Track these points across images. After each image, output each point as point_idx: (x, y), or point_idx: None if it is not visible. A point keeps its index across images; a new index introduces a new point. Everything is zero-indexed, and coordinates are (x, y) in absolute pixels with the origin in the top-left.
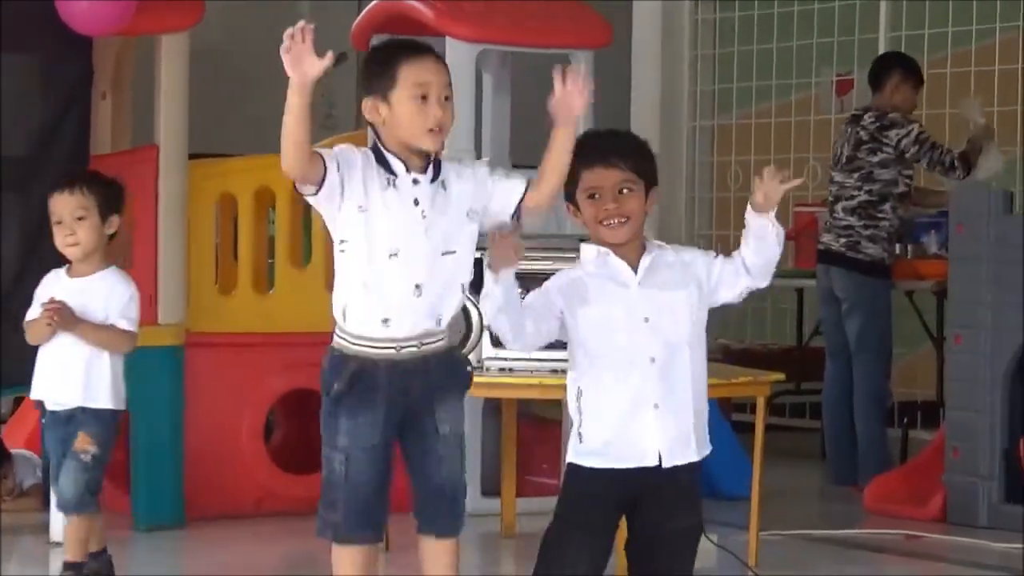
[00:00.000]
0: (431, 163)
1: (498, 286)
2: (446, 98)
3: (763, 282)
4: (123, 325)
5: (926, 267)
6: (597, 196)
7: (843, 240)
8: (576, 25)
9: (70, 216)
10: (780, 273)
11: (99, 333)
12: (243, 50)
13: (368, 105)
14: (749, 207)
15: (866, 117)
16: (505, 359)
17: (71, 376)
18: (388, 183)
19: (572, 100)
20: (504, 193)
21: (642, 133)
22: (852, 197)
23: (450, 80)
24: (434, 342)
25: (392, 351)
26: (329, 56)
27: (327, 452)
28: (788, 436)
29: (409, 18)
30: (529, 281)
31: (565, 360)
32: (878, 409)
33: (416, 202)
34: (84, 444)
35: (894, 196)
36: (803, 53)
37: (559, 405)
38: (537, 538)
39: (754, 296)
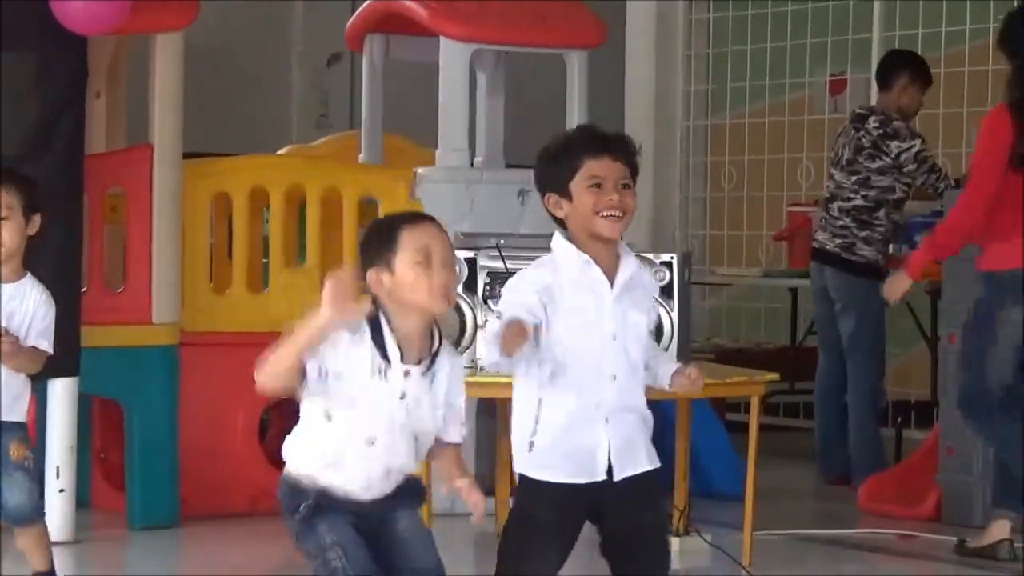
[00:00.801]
0: (430, 354)
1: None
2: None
3: None
4: (43, 346)
5: None
6: (601, 186)
7: (838, 241)
8: (570, 24)
9: None
10: (774, 273)
11: (21, 357)
12: (238, 49)
13: (372, 276)
14: (671, 377)
15: (871, 120)
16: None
17: None
18: (378, 371)
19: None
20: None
21: (636, 132)
22: (848, 199)
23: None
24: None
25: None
26: (367, 304)
27: (318, 557)
28: (782, 436)
29: (403, 18)
30: (497, 278)
31: None
32: (871, 409)
33: (403, 396)
34: (22, 452)
35: (889, 202)
36: (797, 53)
37: None
38: None
39: (748, 296)
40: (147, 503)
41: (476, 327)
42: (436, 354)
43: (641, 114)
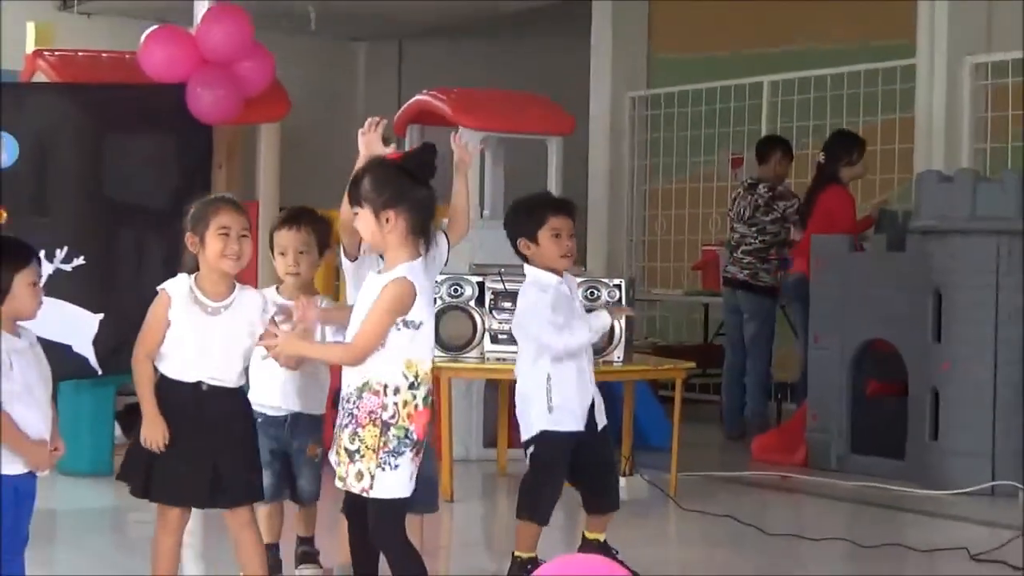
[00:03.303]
0: None
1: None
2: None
3: None
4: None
5: None
6: (559, 235)
7: (746, 272)
8: (551, 118)
9: (294, 250)
10: (692, 292)
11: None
12: (316, 132)
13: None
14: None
15: (760, 187)
16: (500, 352)
17: (288, 387)
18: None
19: (463, 157)
20: (442, 251)
21: (597, 195)
22: (751, 244)
23: None
24: None
25: None
26: (391, 147)
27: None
28: (697, 406)
29: (434, 113)
30: (499, 295)
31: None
32: (763, 387)
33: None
34: (314, 451)
35: (778, 243)
36: (708, 138)
37: None
38: (520, 476)
39: (674, 308)
40: None
41: (484, 331)
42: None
43: (600, 181)
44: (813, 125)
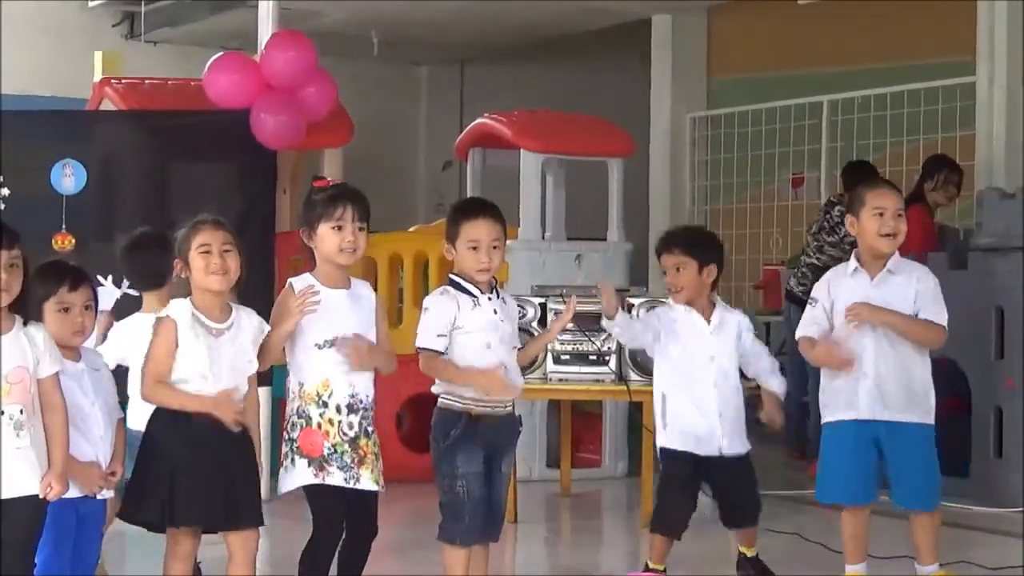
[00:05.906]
0: (492, 288)
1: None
2: (495, 247)
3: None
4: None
5: None
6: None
7: (801, 288)
8: (611, 140)
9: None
10: (755, 312)
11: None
12: (380, 157)
13: (446, 248)
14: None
15: (836, 208)
16: (562, 373)
17: None
18: (474, 304)
19: (567, 316)
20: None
21: (657, 215)
22: (810, 258)
23: (500, 234)
24: (511, 406)
25: (488, 409)
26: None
27: (447, 482)
28: (758, 425)
29: (495, 136)
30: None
31: (603, 375)
32: None
33: (495, 312)
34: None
35: (836, 263)
36: (769, 159)
37: (599, 403)
38: (584, 496)
39: None
40: None
41: (547, 352)
42: (495, 287)
43: (660, 203)
44: (873, 144)
